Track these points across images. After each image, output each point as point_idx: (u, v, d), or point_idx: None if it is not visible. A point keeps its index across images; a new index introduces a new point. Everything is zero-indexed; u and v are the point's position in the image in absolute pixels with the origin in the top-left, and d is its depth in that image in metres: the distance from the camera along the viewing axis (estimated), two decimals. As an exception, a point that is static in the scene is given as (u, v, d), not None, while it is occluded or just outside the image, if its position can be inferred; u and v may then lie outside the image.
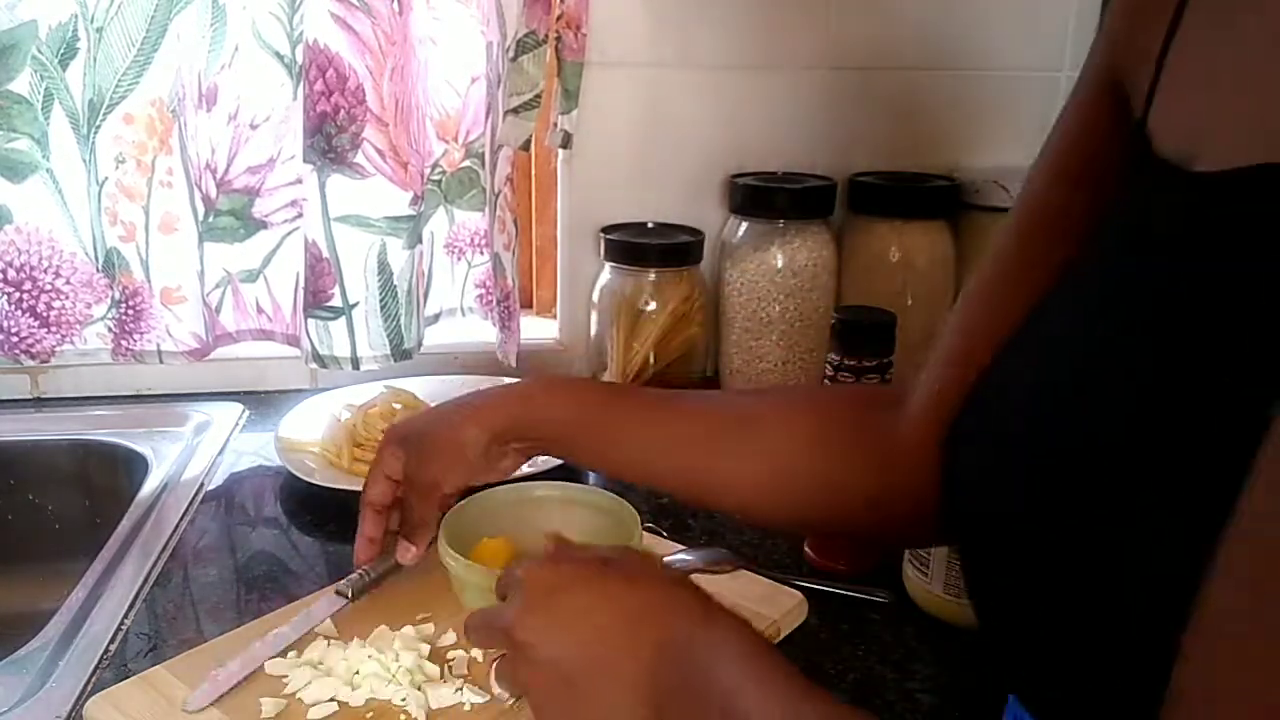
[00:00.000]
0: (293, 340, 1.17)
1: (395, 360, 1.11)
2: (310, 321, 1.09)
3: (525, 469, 0.83)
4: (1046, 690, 0.44)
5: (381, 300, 1.08)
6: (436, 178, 1.16)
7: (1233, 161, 0.38)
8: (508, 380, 1.19)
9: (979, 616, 0.49)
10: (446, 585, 0.81)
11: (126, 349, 1.11)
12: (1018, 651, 0.46)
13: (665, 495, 0.90)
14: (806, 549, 0.89)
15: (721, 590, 0.78)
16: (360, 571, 0.78)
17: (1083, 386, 0.42)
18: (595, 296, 1.21)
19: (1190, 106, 0.43)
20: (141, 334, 1.11)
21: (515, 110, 1.09)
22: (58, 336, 1.10)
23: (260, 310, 1.17)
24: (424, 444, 0.74)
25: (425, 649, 0.71)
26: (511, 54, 1.08)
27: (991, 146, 1.32)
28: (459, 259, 1.22)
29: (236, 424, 1.13)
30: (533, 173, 1.32)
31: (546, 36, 1.08)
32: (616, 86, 1.20)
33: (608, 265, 1.19)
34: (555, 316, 1.32)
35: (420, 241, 1.10)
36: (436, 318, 1.22)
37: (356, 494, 0.95)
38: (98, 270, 1.09)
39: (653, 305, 1.18)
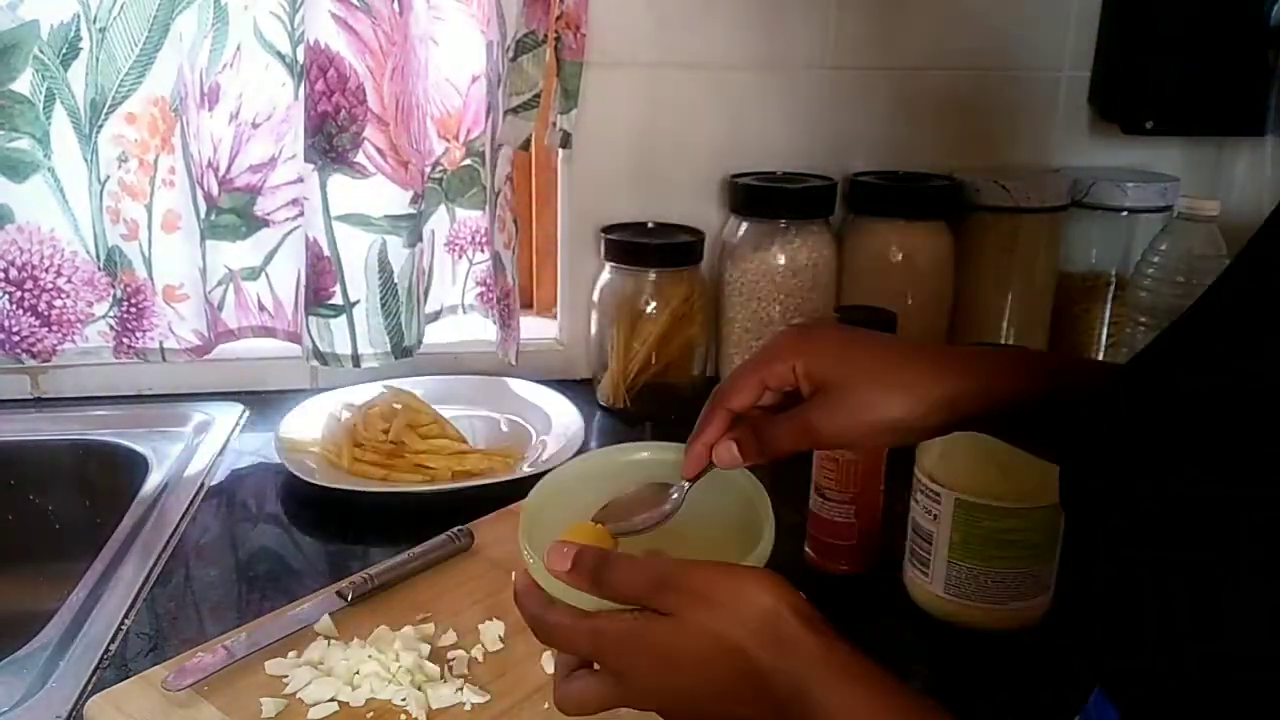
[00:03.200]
0: (294, 337, 1.18)
1: (396, 358, 1.11)
2: (311, 319, 1.09)
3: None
4: (1141, 685, 0.43)
5: (382, 298, 1.08)
6: (437, 176, 1.16)
7: None
8: (511, 380, 1.20)
9: (1078, 598, 0.48)
10: (446, 585, 0.81)
11: (129, 346, 1.12)
12: (1115, 640, 0.45)
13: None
14: (807, 549, 0.89)
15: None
16: (363, 576, 0.78)
17: None
18: (595, 296, 1.21)
19: None
20: (144, 331, 1.11)
21: (515, 110, 1.09)
22: (59, 335, 1.10)
23: (262, 307, 1.17)
24: (838, 396, 0.58)
25: (425, 649, 0.71)
26: (511, 54, 1.08)
27: (991, 146, 1.32)
28: (460, 257, 1.22)
29: (237, 424, 1.13)
30: (533, 173, 1.32)
31: (546, 36, 1.08)
32: (616, 86, 1.20)
33: (608, 265, 1.19)
34: (555, 316, 1.32)
35: (420, 240, 1.11)
36: (437, 315, 1.22)
37: (357, 494, 0.96)
38: (99, 269, 1.09)
39: (653, 305, 1.18)
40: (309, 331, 1.09)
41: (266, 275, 1.16)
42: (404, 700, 0.66)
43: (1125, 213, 1.25)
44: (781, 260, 1.18)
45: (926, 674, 0.74)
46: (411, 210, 1.06)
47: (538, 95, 1.09)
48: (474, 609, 0.77)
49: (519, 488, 0.95)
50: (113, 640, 0.76)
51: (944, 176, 1.26)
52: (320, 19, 0.98)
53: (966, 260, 1.24)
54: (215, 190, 1.11)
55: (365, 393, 1.10)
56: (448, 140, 1.16)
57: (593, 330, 1.23)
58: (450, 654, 0.72)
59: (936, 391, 0.57)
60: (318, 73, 1.00)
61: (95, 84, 1.03)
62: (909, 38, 1.26)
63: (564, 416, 1.12)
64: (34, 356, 1.10)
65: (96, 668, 0.73)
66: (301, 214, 1.10)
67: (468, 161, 1.18)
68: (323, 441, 1.04)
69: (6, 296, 1.08)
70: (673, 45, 1.21)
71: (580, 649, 0.51)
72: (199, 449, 1.07)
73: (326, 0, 0.98)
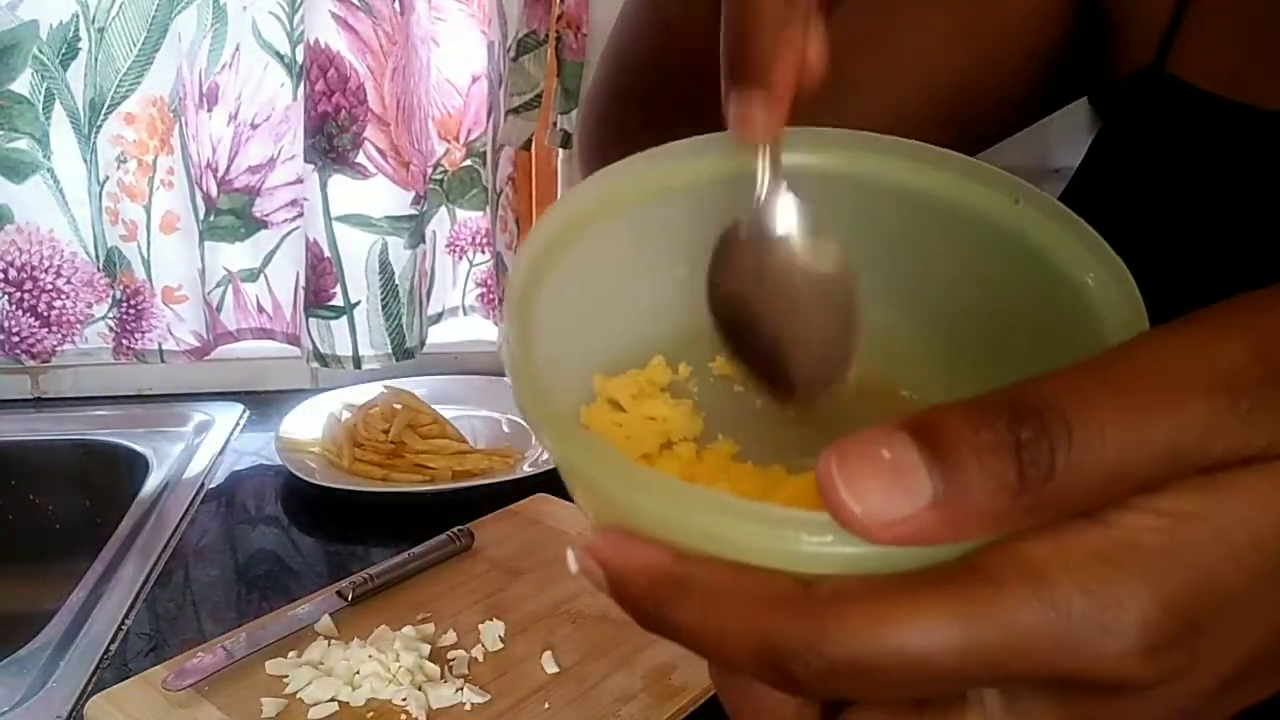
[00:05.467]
0: (293, 339, 1.17)
1: (397, 360, 1.11)
2: (311, 321, 1.09)
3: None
4: None
5: (383, 299, 1.08)
6: (438, 177, 1.16)
7: None
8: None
9: None
10: (447, 585, 0.81)
11: (128, 348, 1.12)
12: None
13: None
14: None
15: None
16: (363, 576, 0.78)
17: None
18: (596, 296, 1.21)
19: (1242, 42, 0.42)
20: (143, 333, 1.11)
21: (516, 110, 1.09)
22: (59, 336, 1.10)
23: (261, 309, 1.17)
24: None
25: (425, 649, 0.71)
26: (513, 54, 1.08)
27: (991, 147, 1.32)
28: (460, 258, 1.22)
29: (237, 424, 1.13)
30: (533, 172, 1.32)
31: (547, 36, 1.08)
32: (617, 86, 1.20)
33: (608, 265, 1.19)
34: (556, 316, 1.32)
35: (423, 241, 1.10)
36: (439, 317, 1.22)
37: (357, 494, 0.96)
38: (98, 270, 1.09)
39: (653, 305, 1.18)
40: (309, 333, 1.09)
41: (265, 277, 1.16)
42: (404, 700, 0.66)
43: (1125, 212, 1.25)
44: (781, 260, 1.18)
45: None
46: (413, 211, 1.06)
47: (539, 95, 1.09)
48: (474, 609, 0.77)
49: (519, 488, 0.96)
50: (113, 640, 0.76)
51: (944, 176, 1.26)
52: (320, 18, 0.98)
53: (967, 260, 1.24)
54: (214, 191, 1.11)
55: (365, 393, 1.10)
56: (448, 141, 1.16)
57: (593, 330, 1.23)
58: (450, 654, 0.72)
59: None
60: (318, 72, 1.00)
61: (94, 84, 1.03)
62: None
63: (564, 416, 1.12)
64: (34, 357, 1.10)
65: (97, 668, 0.73)
66: (300, 215, 1.10)
67: (468, 162, 1.17)
68: (323, 441, 1.04)
69: (6, 297, 1.08)
70: (672, 45, 1.21)
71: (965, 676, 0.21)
72: (199, 449, 1.07)
73: (326, 0, 0.98)
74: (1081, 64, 0.50)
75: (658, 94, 0.52)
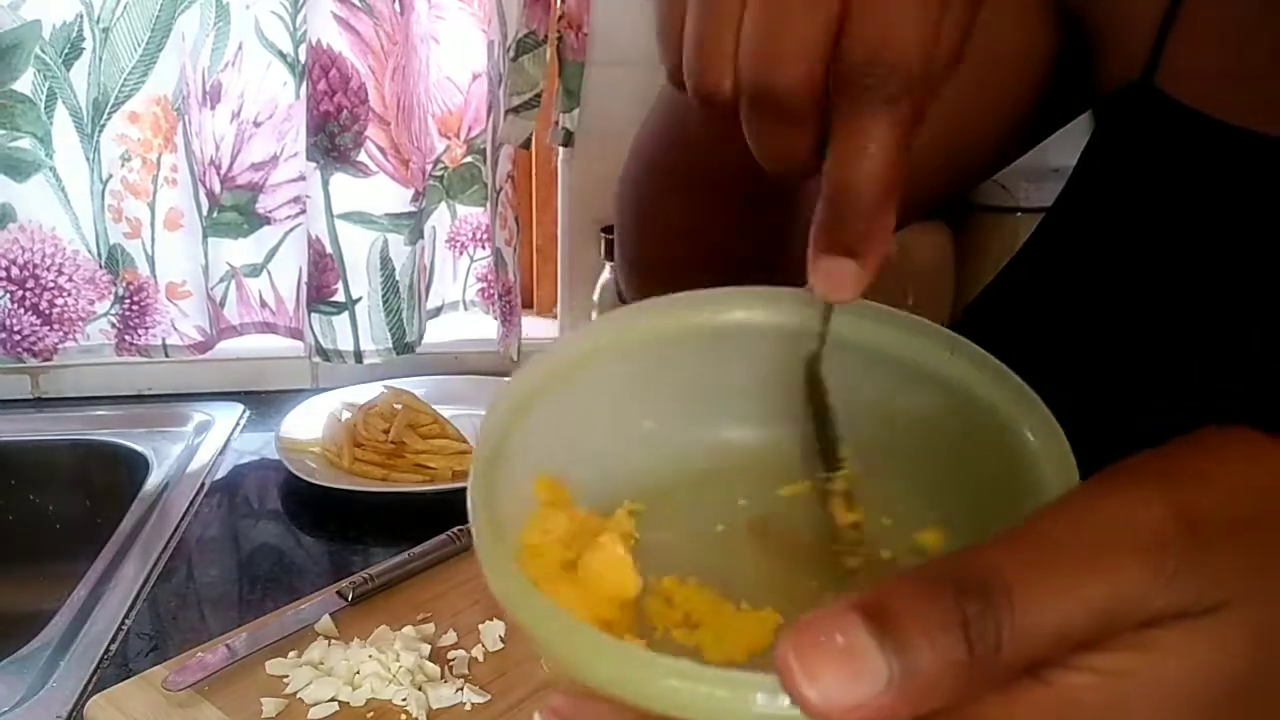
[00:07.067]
0: (295, 334, 1.18)
1: (398, 354, 1.11)
2: (313, 316, 1.09)
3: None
4: None
5: (384, 295, 1.08)
6: (439, 173, 1.16)
7: None
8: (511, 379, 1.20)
9: None
10: (447, 585, 0.81)
11: (130, 343, 1.12)
12: None
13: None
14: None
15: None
16: (363, 576, 0.78)
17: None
18: (596, 296, 1.21)
19: (1224, 60, 0.43)
20: (146, 329, 1.11)
21: (516, 109, 1.09)
22: (60, 334, 1.10)
23: (264, 304, 1.18)
24: None
25: (425, 649, 0.71)
26: (512, 54, 1.08)
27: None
28: (461, 253, 1.22)
29: (237, 424, 1.13)
30: (533, 171, 1.32)
31: (547, 36, 1.08)
32: (617, 85, 1.20)
33: (609, 264, 1.19)
34: (556, 316, 1.32)
35: (422, 237, 1.11)
36: (438, 311, 1.22)
37: (357, 493, 0.96)
38: (100, 267, 1.10)
39: (654, 305, 1.18)
40: (311, 328, 1.10)
41: (268, 272, 1.16)
42: (404, 700, 0.66)
43: (1126, 213, 1.25)
44: (782, 260, 1.18)
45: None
46: (413, 208, 1.07)
47: (538, 95, 1.09)
48: (474, 609, 0.77)
49: (519, 488, 0.96)
50: (113, 640, 0.76)
51: (945, 177, 1.26)
52: (322, 19, 0.99)
53: (967, 260, 1.24)
54: (217, 188, 1.11)
55: (365, 392, 1.10)
56: (449, 138, 1.16)
57: (593, 330, 1.23)
58: (450, 654, 0.72)
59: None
60: (320, 73, 1.00)
61: (98, 83, 1.03)
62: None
63: (564, 416, 1.12)
64: (35, 355, 1.10)
65: (97, 667, 0.73)
66: (303, 211, 1.10)
67: (469, 159, 1.18)
68: (323, 441, 1.04)
69: (8, 296, 1.08)
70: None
71: None
72: (199, 449, 1.07)
73: (328, 0, 0.98)
74: (1069, 90, 0.51)
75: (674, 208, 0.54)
